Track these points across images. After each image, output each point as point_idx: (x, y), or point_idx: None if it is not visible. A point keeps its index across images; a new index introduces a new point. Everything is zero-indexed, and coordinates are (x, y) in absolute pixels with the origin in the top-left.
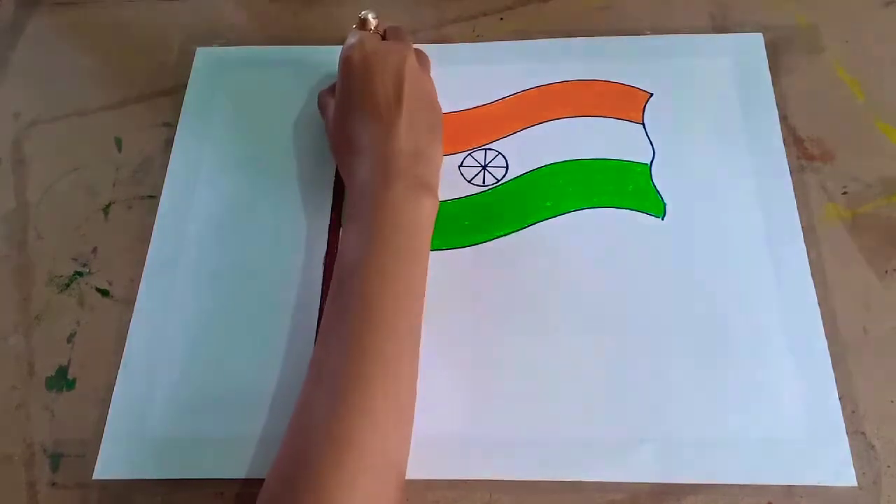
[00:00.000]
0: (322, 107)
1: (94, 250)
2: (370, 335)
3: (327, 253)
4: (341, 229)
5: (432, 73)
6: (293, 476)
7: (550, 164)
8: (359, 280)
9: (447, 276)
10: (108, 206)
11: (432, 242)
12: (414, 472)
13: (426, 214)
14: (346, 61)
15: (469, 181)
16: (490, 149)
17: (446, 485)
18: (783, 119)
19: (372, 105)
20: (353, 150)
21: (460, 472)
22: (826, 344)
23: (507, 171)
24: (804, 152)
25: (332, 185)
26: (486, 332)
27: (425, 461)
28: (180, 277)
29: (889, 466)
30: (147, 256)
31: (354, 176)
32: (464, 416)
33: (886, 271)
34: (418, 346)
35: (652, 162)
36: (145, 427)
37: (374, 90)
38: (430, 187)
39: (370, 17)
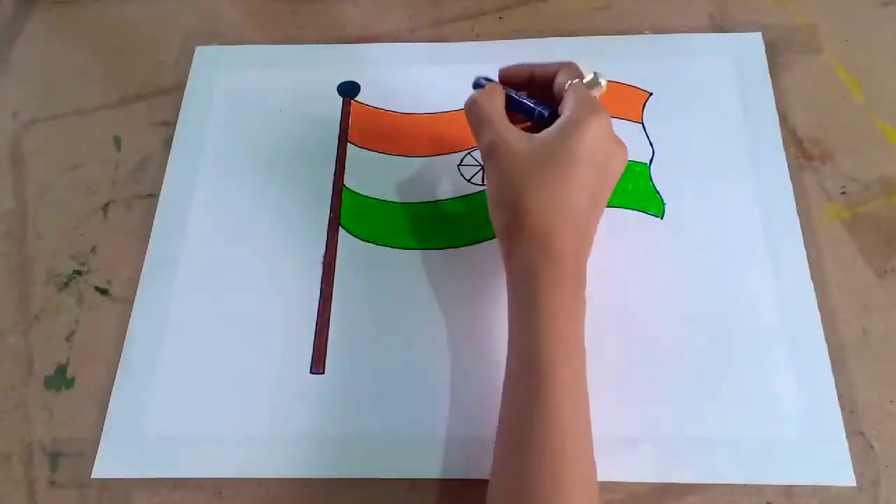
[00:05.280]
0: (480, 121)
1: (93, 249)
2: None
3: (326, 252)
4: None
5: (432, 74)
6: None
7: None
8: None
9: (447, 275)
10: (107, 204)
11: (431, 242)
12: (414, 471)
13: (583, 316)
14: (586, 133)
15: (468, 180)
16: None
17: (445, 484)
18: (782, 119)
19: (579, 197)
20: (527, 223)
21: (460, 471)
22: (825, 344)
23: None
24: (803, 152)
25: (331, 184)
26: (486, 331)
27: (426, 461)
28: (179, 276)
29: (888, 467)
30: (146, 255)
31: (518, 252)
32: (464, 416)
33: (885, 271)
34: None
35: (651, 161)
36: (144, 426)
37: (593, 184)
38: (584, 285)
39: (603, 82)
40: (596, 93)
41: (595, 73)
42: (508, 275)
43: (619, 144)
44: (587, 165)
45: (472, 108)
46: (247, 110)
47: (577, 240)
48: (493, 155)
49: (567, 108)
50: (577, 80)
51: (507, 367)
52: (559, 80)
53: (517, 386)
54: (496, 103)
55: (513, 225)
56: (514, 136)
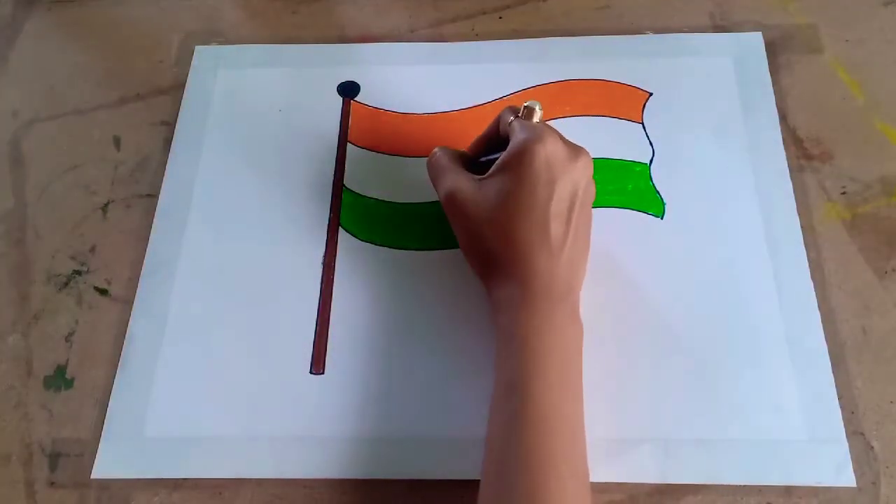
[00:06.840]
0: (438, 173)
1: (93, 249)
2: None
3: (326, 253)
4: (495, 340)
5: (432, 74)
6: None
7: None
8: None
9: (447, 275)
10: (106, 204)
11: (430, 242)
12: (413, 471)
13: (579, 344)
14: (527, 157)
15: None
16: None
17: (445, 484)
18: (783, 119)
19: (544, 219)
20: (503, 258)
21: (460, 471)
22: (825, 344)
23: None
24: (803, 152)
25: (330, 184)
26: (486, 331)
27: (426, 461)
28: (179, 276)
29: (888, 467)
30: (146, 255)
31: (497, 287)
32: (463, 416)
33: (886, 271)
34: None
35: (651, 161)
36: (143, 426)
37: (551, 204)
38: (578, 314)
39: (537, 108)
40: (535, 118)
41: (527, 104)
42: (489, 304)
43: (574, 152)
44: (543, 186)
45: (429, 161)
46: (247, 110)
47: (552, 263)
48: (450, 203)
49: (510, 143)
50: (513, 116)
51: (493, 390)
52: (501, 125)
53: (499, 409)
54: (453, 156)
55: (483, 266)
56: (466, 182)
